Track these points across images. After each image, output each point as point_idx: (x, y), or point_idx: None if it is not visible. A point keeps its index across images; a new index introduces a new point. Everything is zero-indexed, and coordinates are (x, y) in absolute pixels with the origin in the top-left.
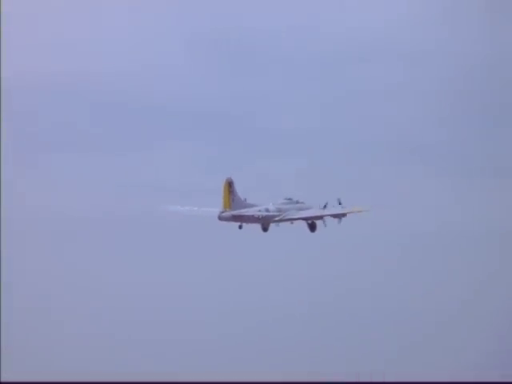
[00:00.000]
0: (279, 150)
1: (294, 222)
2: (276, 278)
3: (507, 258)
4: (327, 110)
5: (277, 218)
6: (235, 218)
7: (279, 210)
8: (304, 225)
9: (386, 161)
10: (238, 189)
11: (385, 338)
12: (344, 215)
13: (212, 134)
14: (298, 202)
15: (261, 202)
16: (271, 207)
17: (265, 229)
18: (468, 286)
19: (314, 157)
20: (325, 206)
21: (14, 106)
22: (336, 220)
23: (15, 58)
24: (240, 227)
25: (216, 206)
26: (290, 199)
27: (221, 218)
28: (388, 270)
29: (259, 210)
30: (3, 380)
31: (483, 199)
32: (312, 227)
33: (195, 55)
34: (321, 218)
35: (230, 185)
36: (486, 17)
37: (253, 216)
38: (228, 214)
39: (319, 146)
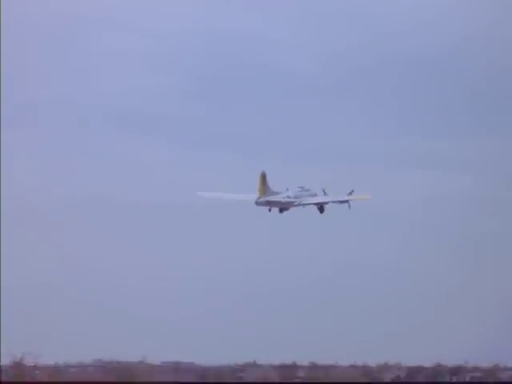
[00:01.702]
0: None
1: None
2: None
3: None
4: None
5: (295, 203)
6: (268, 204)
7: (297, 197)
8: (314, 208)
9: None
10: None
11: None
12: (348, 201)
13: None
14: (307, 190)
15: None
16: (291, 194)
17: (281, 211)
18: None
19: None
20: (324, 193)
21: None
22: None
23: None
24: (269, 210)
25: None
26: (302, 187)
27: (258, 204)
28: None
29: (283, 197)
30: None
31: None
32: (321, 210)
33: None
34: (327, 203)
35: (264, 177)
36: None
37: (279, 202)
38: (263, 200)
39: None
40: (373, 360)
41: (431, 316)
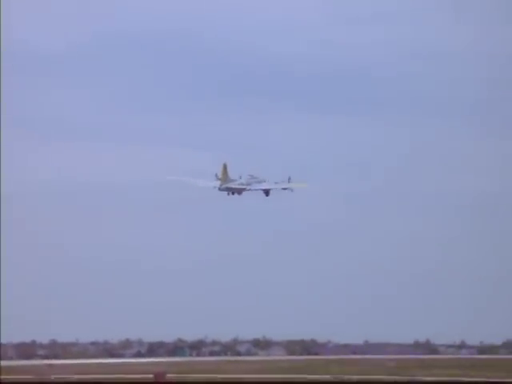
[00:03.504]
0: None
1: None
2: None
3: None
4: None
5: (247, 189)
6: (227, 189)
7: (248, 184)
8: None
9: None
10: None
11: None
12: (290, 188)
13: None
14: (256, 178)
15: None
16: (244, 181)
17: (233, 193)
18: None
19: None
20: (276, 182)
21: None
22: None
23: None
24: (228, 194)
25: None
26: (252, 175)
27: (220, 189)
28: None
29: (238, 184)
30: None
31: None
32: (267, 193)
33: None
34: (271, 189)
35: (225, 167)
36: None
37: (236, 188)
38: (225, 186)
39: None
40: (114, 337)
41: (171, 293)
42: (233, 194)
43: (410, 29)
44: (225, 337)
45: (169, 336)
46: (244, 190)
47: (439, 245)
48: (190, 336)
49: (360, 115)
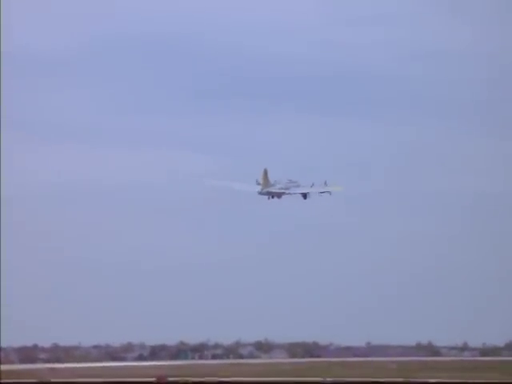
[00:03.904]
0: None
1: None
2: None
3: None
4: None
5: (286, 193)
6: (268, 193)
7: (287, 188)
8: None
9: None
10: None
11: None
12: (328, 192)
13: None
14: (295, 182)
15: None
16: (283, 186)
17: (273, 197)
18: None
19: None
20: (312, 185)
21: None
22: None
23: None
24: (268, 198)
25: None
26: (290, 180)
27: (261, 193)
28: None
29: (278, 188)
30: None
31: None
32: (305, 197)
33: None
34: (309, 193)
35: (266, 173)
36: None
37: (276, 192)
38: (265, 191)
39: None
40: (116, 340)
41: (173, 296)
42: (272, 197)
43: (409, 30)
44: (227, 340)
45: (171, 339)
46: (283, 193)
47: (440, 246)
48: (192, 339)
49: (360, 116)
